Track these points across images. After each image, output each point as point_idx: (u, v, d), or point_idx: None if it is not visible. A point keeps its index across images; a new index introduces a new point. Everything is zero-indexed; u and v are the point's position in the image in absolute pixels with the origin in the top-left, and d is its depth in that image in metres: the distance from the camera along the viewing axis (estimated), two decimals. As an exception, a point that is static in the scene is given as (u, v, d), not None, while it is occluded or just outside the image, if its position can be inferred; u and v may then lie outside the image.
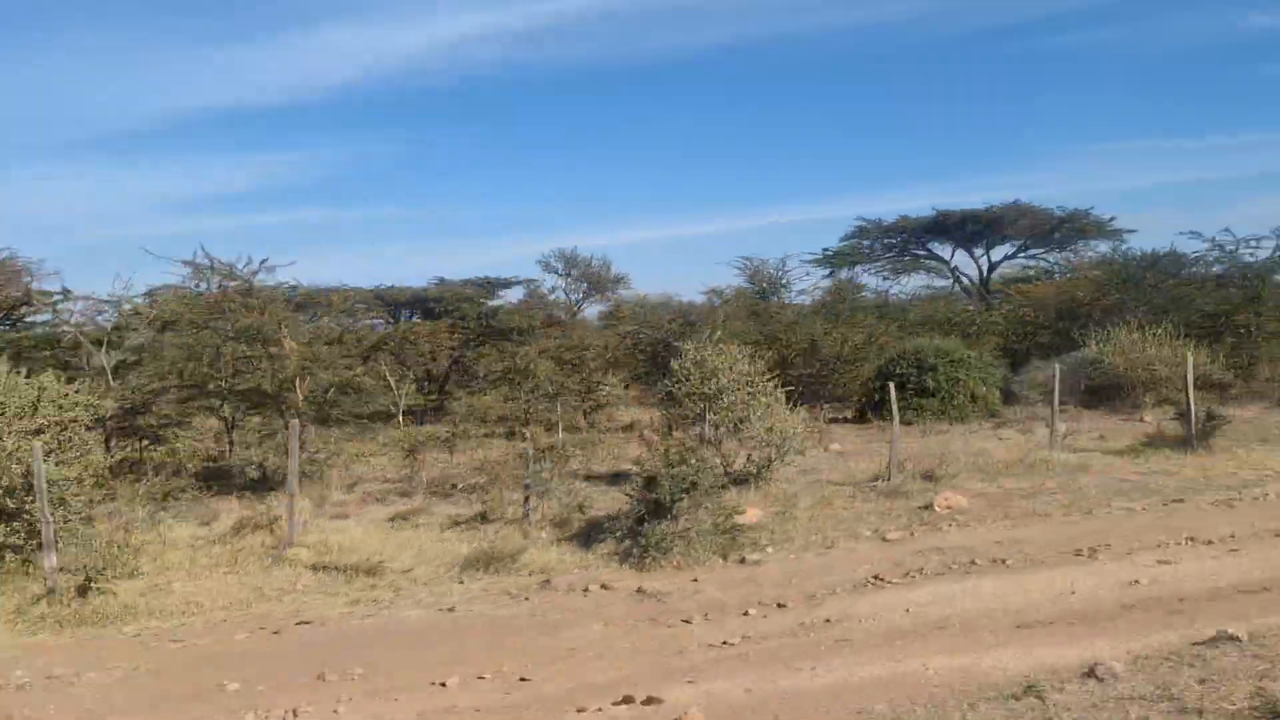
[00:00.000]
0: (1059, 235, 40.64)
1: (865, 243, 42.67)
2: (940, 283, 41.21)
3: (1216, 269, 26.38)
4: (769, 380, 12.97)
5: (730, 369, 12.45)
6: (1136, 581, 7.97)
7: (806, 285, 39.00)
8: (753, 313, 28.49)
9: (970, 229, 40.96)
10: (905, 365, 22.44)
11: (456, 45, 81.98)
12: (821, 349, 27.16)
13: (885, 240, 41.99)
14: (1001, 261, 42.60)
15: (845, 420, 22.68)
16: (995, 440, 16.22)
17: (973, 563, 9.01)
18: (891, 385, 15.53)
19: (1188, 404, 13.97)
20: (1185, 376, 14.28)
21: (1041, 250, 42.19)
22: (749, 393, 12.33)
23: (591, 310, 43.03)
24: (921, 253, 43.18)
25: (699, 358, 12.68)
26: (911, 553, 9.38)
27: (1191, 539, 9.43)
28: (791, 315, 29.25)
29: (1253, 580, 7.82)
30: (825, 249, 41.94)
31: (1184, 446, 13.73)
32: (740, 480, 12.02)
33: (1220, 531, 9.60)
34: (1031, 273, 41.12)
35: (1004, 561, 9.00)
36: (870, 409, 23.85)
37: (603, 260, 43.72)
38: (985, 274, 42.45)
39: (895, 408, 13.73)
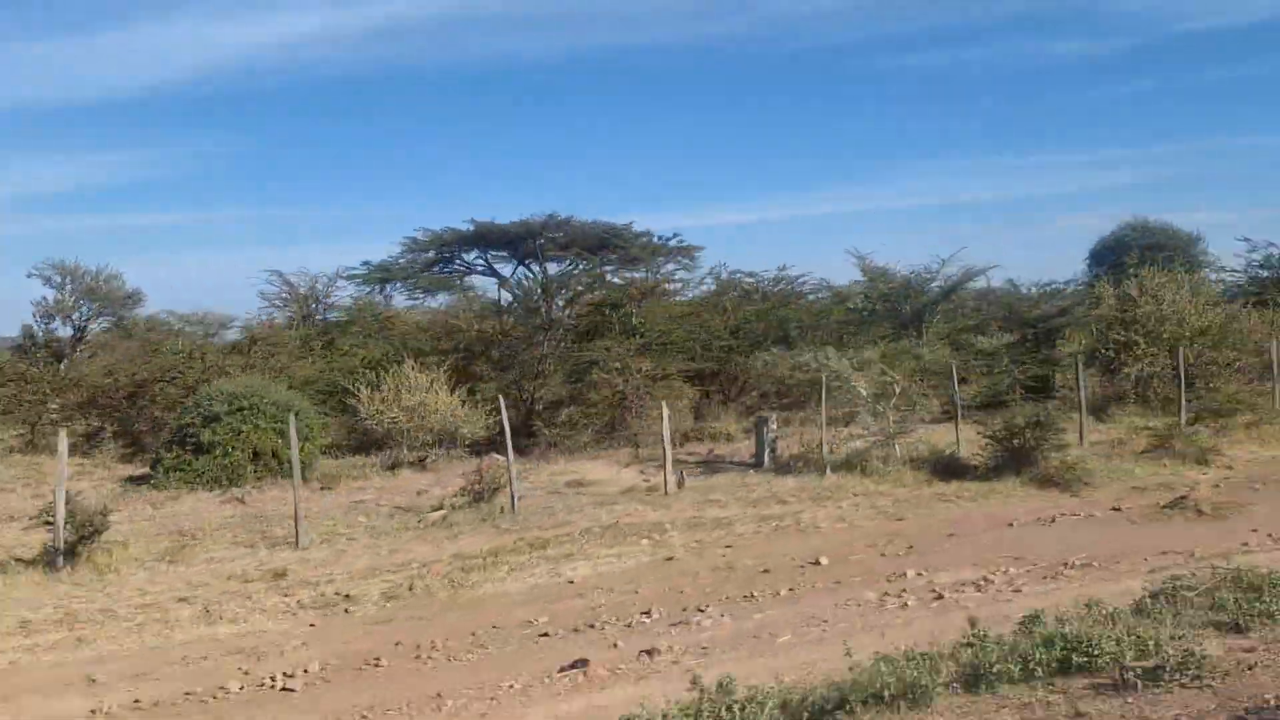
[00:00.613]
0: (630, 252, 38.59)
1: (418, 255, 39.16)
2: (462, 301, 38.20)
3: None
4: None
5: None
6: None
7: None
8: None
9: (518, 243, 38.28)
10: (192, 414, 18.37)
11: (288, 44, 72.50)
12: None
13: (429, 254, 38.59)
14: (567, 276, 40.19)
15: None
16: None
17: None
18: None
19: (55, 504, 10.24)
20: (59, 457, 10.47)
21: (616, 267, 40.13)
22: None
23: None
24: (481, 266, 40.11)
25: None
26: None
27: None
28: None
29: None
30: (366, 262, 38.00)
31: (52, 565, 10.05)
32: None
33: None
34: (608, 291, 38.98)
35: None
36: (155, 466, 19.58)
37: (111, 273, 37.72)
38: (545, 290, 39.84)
39: None
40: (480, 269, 40.25)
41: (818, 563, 9.99)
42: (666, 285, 30.76)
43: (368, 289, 37.57)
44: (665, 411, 13.75)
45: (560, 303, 24.35)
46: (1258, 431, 17.15)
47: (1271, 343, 19.31)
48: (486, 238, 37.47)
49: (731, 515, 12.25)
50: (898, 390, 14.96)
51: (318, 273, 36.42)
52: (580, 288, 24.75)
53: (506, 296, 27.91)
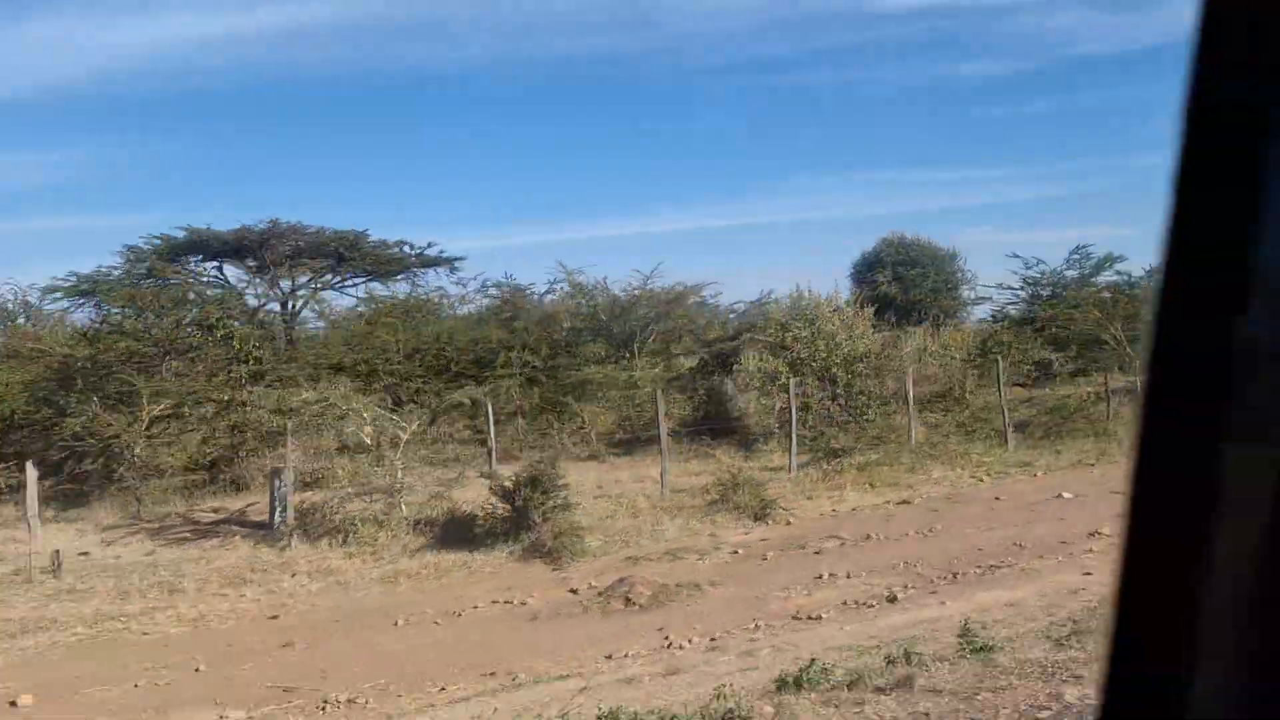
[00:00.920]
0: (372, 263, 35.42)
1: (137, 266, 35.11)
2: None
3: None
4: None
5: None
6: None
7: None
8: None
9: (243, 252, 34.62)
10: None
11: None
12: None
13: (144, 264, 34.56)
14: (314, 289, 36.78)
15: None
16: None
17: None
18: None
19: None
20: None
21: (379, 280, 36.91)
22: None
23: None
24: (208, 278, 36.19)
25: None
26: None
27: None
28: None
29: None
30: (73, 273, 33.58)
31: None
32: None
33: None
34: (381, 307, 35.64)
35: None
36: None
37: None
38: (289, 305, 36.35)
39: None
40: (213, 280, 36.53)
41: (15, 704, 7.30)
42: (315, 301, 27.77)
43: (70, 303, 33.53)
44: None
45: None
46: (871, 474, 15.36)
47: (908, 370, 17.75)
48: (204, 246, 33.90)
49: (60, 616, 9.45)
50: (405, 437, 12.48)
51: (29, 285, 31.35)
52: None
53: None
